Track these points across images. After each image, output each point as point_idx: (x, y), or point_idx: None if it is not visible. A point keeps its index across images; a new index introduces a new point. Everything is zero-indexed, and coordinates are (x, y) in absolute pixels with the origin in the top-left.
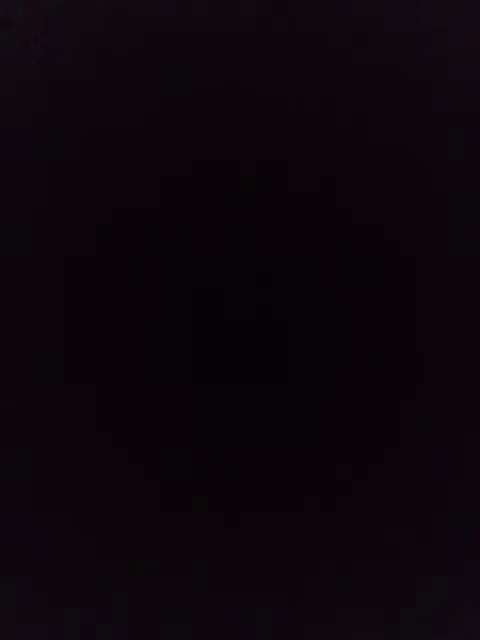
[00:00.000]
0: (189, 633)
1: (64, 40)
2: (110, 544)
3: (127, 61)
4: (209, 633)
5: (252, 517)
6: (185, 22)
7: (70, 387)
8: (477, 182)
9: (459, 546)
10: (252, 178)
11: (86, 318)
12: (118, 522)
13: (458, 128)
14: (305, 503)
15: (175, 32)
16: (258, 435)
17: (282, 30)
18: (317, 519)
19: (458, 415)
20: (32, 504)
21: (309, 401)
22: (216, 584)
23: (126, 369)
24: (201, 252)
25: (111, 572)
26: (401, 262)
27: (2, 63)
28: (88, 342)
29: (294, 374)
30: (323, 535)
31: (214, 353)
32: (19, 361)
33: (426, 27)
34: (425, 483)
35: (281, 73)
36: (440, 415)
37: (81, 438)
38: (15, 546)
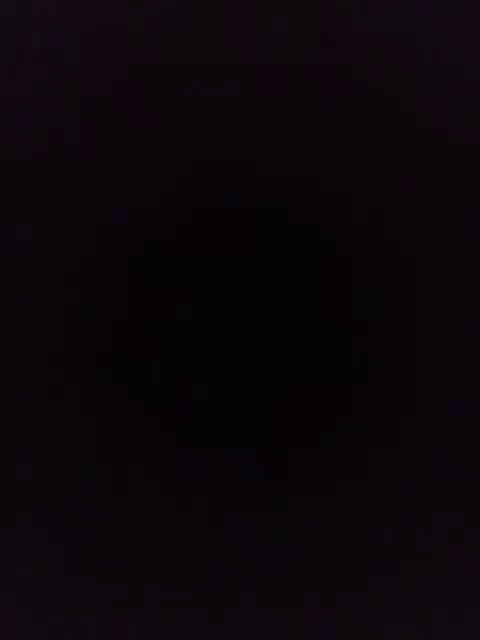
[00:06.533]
0: (189, 633)
1: (64, 40)
2: (110, 545)
3: (127, 61)
4: (209, 633)
5: (252, 517)
6: (185, 22)
7: (70, 386)
8: (477, 182)
9: (459, 546)
10: (251, 178)
11: (86, 318)
12: (117, 522)
13: (458, 128)
14: (304, 503)
15: (175, 32)
16: (257, 435)
17: (282, 30)
18: (316, 520)
19: (458, 415)
20: (32, 504)
21: (309, 401)
22: (216, 584)
23: (126, 369)
24: (201, 253)
25: (111, 572)
26: (401, 262)
27: (2, 62)
28: (88, 343)
29: (293, 373)
30: (322, 536)
31: (214, 353)
32: (19, 361)
33: (426, 28)
34: (425, 483)
35: (281, 73)
36: (440, 415)
37: (81, 437)
38: (15, 547)
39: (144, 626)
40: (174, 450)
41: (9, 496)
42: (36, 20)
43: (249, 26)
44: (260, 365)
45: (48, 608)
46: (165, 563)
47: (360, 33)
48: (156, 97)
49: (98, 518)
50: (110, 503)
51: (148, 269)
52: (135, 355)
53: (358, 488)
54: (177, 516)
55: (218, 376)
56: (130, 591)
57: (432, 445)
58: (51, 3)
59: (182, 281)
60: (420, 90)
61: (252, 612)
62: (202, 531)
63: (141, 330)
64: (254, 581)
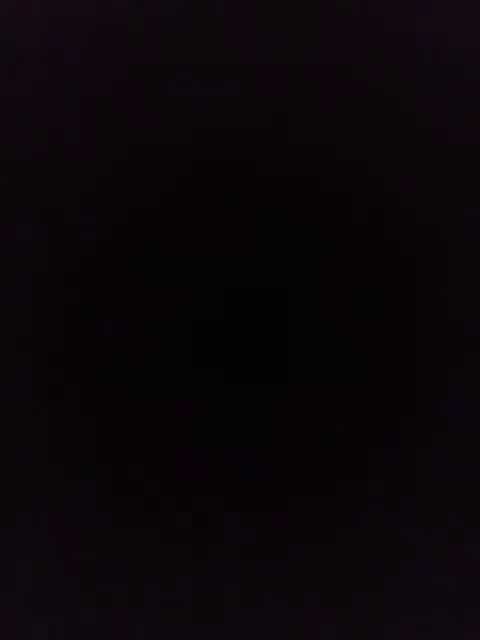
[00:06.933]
0: (189, 633)
1: (64, 40)
2: (110, 543)
3: (127, 61)
4: (209, 633)
5: (252, 517)
6: (185, 22)
7: (70, 386)
8: (477, 182)
9: (459, 546)
10: (251, 178)
11: (86, 318)
12: (117, 522)
13: (458, 128)
14: (304, 503)
15: (175, 32)
16: (257, 435)
17: (282, 30)
18: (316, 520)
19: (458, 415)
20: (32, 504)
21: (309, 401)
22: (216, 584)
23: (126, 369)
24: (201, 253)
25: (111, 572)
26: (401, 262)
27: (2, 62)
28: (88, 343)
29: (293, 373)
30: (322, 536)
31: (214, 353)
32: (19, 361)
33: (426, 27)
34: (425, 483)
35: (281, 73)
36: (440, 415)
37: (81, 437)
38: (15, 547)
39: (144, 626)
40: (174, 450)
41: (9, 496)
42: (36, 20)
43: (249, 26)
44: (260, 365)
45: (48, 608)
46: (165, 563)
47: (360, 33)
48: (156, 97)
49: (98, 518)
50: (110, 503)
51: (148, 269)
52: (135, 355)
53: (358, 488)
54: (177, 516)
55: (218, 376)
56: (130, 591)
57: (432, 445)
58: (51, 3)
59: (182, 281)
60: (420, 90)
61: (252, 612)
62: (202, 531)
63: (141, 330)
64: (254, 581)
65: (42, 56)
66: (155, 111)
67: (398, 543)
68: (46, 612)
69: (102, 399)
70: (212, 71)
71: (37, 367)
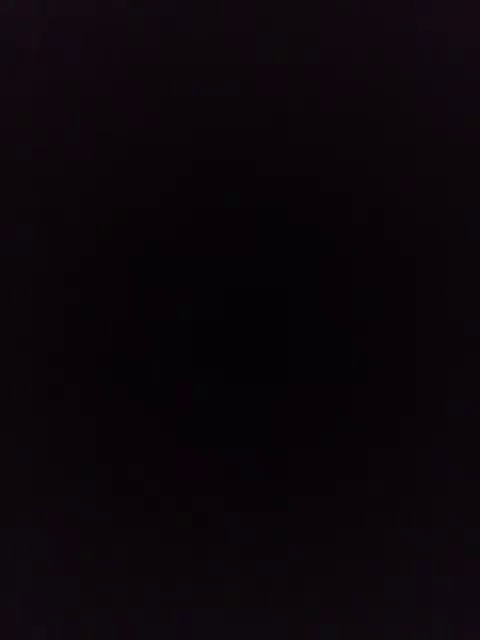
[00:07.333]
0: (189, 633)
1: (64, 40)
2: (110, 543)
3: (127, 61)
4: (209, 633)
5: (252, 517)
6: (185, 22)
7: (70, 386)
8: (477, 182)
9: (459, 546)
10: (251, 178)
11: (86, 318)
12: (117, 522)
13: (458, 128)
14: (304, 503)
15: (175, 32)
16: (257, 435)
17: (282, 30)
18: (316, 520)
19: (458, 415)
20: (32, 504)
21: (309, 401)
22: (216, 584)
23: (126, 369)
24: (201, 253)
25: (111, 572)
26: (401, 262)
27: (2, 62)
28: (88, 343)
29: (293, 373)
30: (322, 536)
31: (214, 353)
32: (19, 361)
33: (426, 27)
34: (425, 483)
35: (281, 73)
36: (440, 415)
37: (81, 437)
38: (15, 547)
39: (144, 626)
40: (174, 450)
41: (9, 496)
42: (36, 20)
43: (249, 26)
44: (260, 365)
45: (48, 608)
46: (165, 563)
47: (360, 33)
48: (156, 97)
49: (98, 518)
50: (110, 503)
51: (148, 269)
52: (135, 355)
53: (358, 488)
54: (177, 516)
55: (218, 376)
56: (130, 591)
57: (432, 445)
58: (51, 3)
59: (182, 281)
60: (420, 90)
61: (252, 612)
62: (202, 531)
63: (141, 330)
64: (254, 581)
65: (42, 56)
66: (155, 111)
67: (398, 543)
68: (46, 612)
69: (102, 399)
70: (212, 71)
71: (37, 367)
